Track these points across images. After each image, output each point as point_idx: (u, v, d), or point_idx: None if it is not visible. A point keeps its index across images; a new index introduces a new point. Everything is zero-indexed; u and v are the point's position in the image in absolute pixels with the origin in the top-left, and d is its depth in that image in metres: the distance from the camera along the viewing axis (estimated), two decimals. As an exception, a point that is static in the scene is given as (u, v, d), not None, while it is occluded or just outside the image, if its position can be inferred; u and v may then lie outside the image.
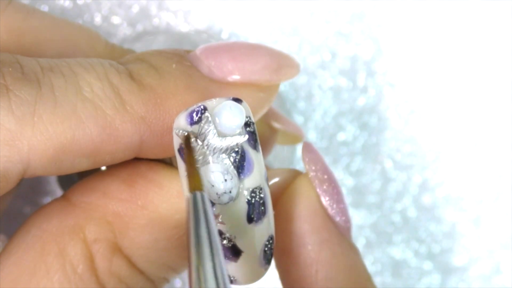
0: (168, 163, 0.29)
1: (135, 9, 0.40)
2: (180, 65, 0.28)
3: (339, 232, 0.30)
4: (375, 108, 0.41)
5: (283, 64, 0.29)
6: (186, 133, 0.26)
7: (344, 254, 0.29)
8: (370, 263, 0.40)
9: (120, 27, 0.40)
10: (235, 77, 0.28)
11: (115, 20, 0.40)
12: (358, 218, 0.40)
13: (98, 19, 0.39)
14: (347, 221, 0.30)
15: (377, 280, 0.38)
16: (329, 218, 0.29)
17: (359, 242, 0.40)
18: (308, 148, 0.30)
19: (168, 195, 0.28)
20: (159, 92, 0.27)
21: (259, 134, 0.32)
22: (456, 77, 0.41)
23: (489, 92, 0.41)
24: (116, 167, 0.29)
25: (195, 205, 0.24)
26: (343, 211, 0.30)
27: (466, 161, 0.41)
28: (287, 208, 0.29)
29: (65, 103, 0.26)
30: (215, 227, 0.24)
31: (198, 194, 0.24)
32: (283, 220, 0.29)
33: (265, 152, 0.35)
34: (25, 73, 0.26)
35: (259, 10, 0.40)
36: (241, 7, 0.40)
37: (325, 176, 0.30)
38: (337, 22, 0.41)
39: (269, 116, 0.35)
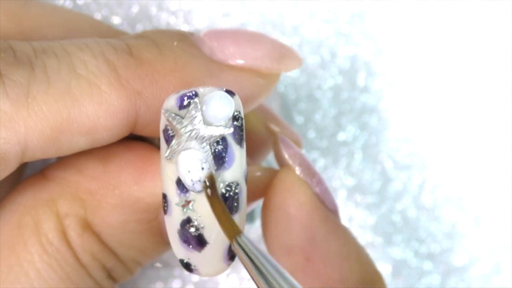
0: (155, 144, 0.29)
1: (135, 9, 0.40)
2: (182, 43, 0.28)
3: (339, 220, 0.30)
4: (375, 108, 0.41)
5: (285, 54, 0.29)
6: (209, 175, 0.26)
7: (351, 241, 0.29)
8: (370, 263, 0.40)
9: (120, 27, 0.40)
10: (237, 61, 0.28)
11: (115, 20, 0.40)
12: (358, 218, 0.40)
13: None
14: (335, 203, 0.30)
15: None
16: (328, 209, 0.30)
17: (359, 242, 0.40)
18: (285, 144, 0.30)
19: (142, 176, 0.28)
20: (158, 68, 0.27)
21: (257, 135, 0.32)
22: (456, 77, 0.41)
23: (489, 92, 0.41)
24: None
25: (246, 249, 0.24)
26: (331, 196, 0.30)
27: (466, 161, 0.41)
28: (286, 207, 0.29)
29: (59, 83, 0.26)
30: (272, 259, 0.24)
31: (243, 238, 0.24)
32: (284, 219, 0.29)
33: (262, 155, 0.35)
34: (18, 57, 0.26)
35: (259, 10, 0.40)
36: (241, 7, 0.40)
37: (309, 168, 0.30)
38: (337, 22, 0.41)
39: (268, 119, 0.35)
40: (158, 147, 0.27)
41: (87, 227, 0.28)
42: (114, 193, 0.28)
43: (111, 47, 0.27)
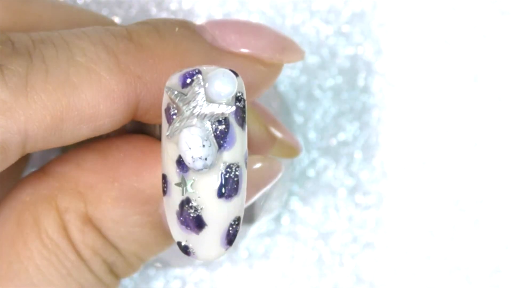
0: (156, 136, 0.29)
1: (135, 9, 0.40)
2: (184, 29, 0.28)
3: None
4: (375, 108, 0.41)
5: (287, 46, 0.29)
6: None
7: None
8: (370, 263, 0.40)
9: (120, 27, 0.40)
10: (239, 49, 0.28)
11: (115, 20, 0.40)
12: (358, 218, 0.40)
13: (98, 19, 0.40)
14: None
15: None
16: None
17: (359, 242, 0.40)
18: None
19: (141, 167, 0.28)
20: (158, 53, 0.27)
21: (258, 137, 0.32)
22: (456, 77, 0.41)
23: (490, 92, 0.41)
24: (94, 139, 0.29)
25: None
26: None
27: (466, 161, 0.41)
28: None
29: (57, 71, 0.26)
30: None
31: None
32: None
33: None
34: (16, 48, 0.26)
35: (259, 10, 0.40)
36: (241, 7, 0.40)
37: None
38: (337, 22, 0.41)
39: (270, 123, 0.35)
40: (158, 138, 0.27)
41: (88, 221, 0.28)
42: (113, 186, 0.28)
43: (110, 33, 0.27)
